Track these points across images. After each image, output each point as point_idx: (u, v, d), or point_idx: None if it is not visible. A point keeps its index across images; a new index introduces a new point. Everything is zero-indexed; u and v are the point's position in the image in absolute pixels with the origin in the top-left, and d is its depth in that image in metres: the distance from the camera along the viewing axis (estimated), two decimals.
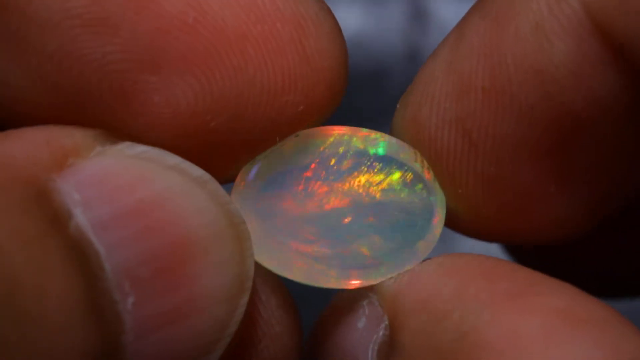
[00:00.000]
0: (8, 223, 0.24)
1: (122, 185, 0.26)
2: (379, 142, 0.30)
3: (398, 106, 0.31)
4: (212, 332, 0.27)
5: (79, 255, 0.25)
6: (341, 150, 0.30)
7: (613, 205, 0.31)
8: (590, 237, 0.33)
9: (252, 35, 0.28)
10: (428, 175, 0.30)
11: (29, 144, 0.26)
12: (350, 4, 0.63)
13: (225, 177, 0.30)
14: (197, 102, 0.28)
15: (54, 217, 0.25)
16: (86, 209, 0.26)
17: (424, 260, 0.30)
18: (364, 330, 0.29)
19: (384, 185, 0.30)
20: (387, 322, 0.29)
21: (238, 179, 0.30)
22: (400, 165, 0.30)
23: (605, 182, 0.30)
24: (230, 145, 0.29)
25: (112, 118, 0.28)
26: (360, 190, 0.30)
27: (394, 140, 0.30)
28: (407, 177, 0.30)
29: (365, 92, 0.60)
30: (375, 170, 0.30)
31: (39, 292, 0.24)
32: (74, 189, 0.26)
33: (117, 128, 0.28)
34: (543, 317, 0.25)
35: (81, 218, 0.26)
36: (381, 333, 0.29)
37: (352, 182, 0.30)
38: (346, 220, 0.30)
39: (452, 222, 0.31)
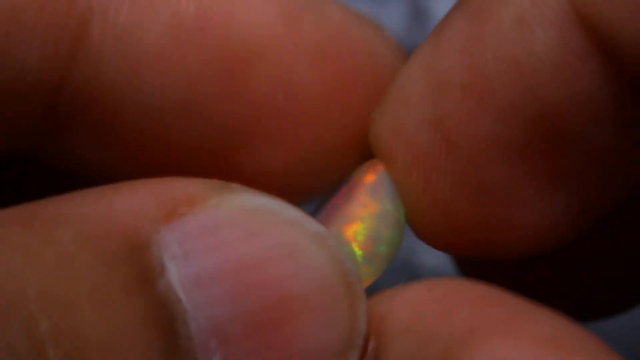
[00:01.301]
0: (91, 280, 0.24)
1: (229, 239, 0.26)
2: None
3: (375, 112, 0.31)
4: None
5: (163, 313, 0.25)
6: None
7: (596, 212, 0.30)
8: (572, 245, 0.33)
9: (337, 103, 0.29)
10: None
11: (135, 196, 0.26)
12: (351, 4, 0.63)
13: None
14: (287, 167, 0.29)
15: (145, 273, 0.25)
16: (183, 263, 0.25)
17: (412, 283, 0.29)
18: None
19: None
20: (373, 345, 0.28)
21: None
22: None
23: (588, 186, 0.29)
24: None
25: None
26: None
27: None
28: None
29: None
30: None
31: (110, 356, 0.24)
32: (177, 241, 0.25)
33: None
34: (531, 346, 0.25)
35: (174, 273, 0.25)
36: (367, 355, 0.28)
37: None
38: None
39: (425, 234, 0.31)
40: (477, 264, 0.38)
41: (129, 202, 0.26)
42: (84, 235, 0.25)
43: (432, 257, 0.61)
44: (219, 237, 0.26)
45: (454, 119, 0.29)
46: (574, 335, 0.26)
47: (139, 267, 0.25)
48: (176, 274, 0.25)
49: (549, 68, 0.27)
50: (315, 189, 0.31)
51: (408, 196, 0.30)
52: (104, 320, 0.24)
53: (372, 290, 0.31)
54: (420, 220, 0.30)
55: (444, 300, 0.27)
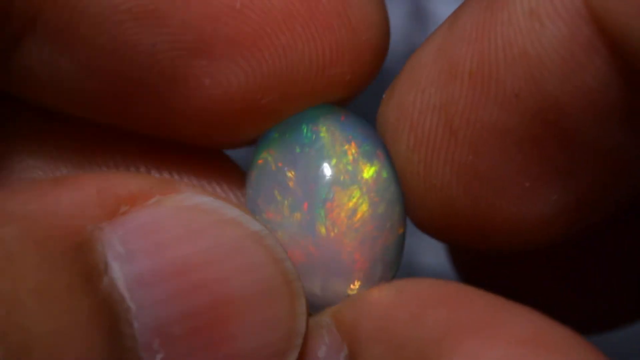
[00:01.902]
0: (35, 279, 0.24)
1: (170, 239, 0.26)
2: None
3: (385, 94, 0.31)
4: None
5: (107, 311, 0.25)
6: None
7: (595, 213, 0.30)
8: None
9: (300, 13, 0.29)
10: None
11: (78, 193, 0.26)
12: None
13: None
14: (248, 82, 0.29)
15: (89, 271, 0.25)
16: (127, 262, 0.25)
17: (381, 285, 0.29)
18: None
19: None
20: (346, 352, 0.28)
21: None
22: None
23: (587, 185, 0.29)
24: (279, 117, 0.30)
25: (162, 102, 0.29)
26: None
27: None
28: None
29: (365, 92, 0.60)
30: None
31: (54, 353, 0.24)
32: (120, 240, 0.25)
33: (165, 114, 0.29)
34: (506, 346, 0.25)
35: (117, 272, 0.25)
36: None
37: None
38: None
39: (422, 221, 0.31)
40: (474, 264, 0.38)
41: (73, 199, 0.26)
42: (28, 234, 0.25)
43: (432, 258, 0.61)
44: (161, 236, 0.26)
45: (458, 105, 0.29)
46: (552, 333, 0.25)
47: (83, 265, 0.25)
48: (120, 273, 0.25)
49: (555, 61, 0.27)
50: (279, 114, 0.30)
51: (407, 181, 0.30)
52: (49, 317, 0.24)
53: None
54: (417, 206, 0.30)
55: (415, 302, 0.27)
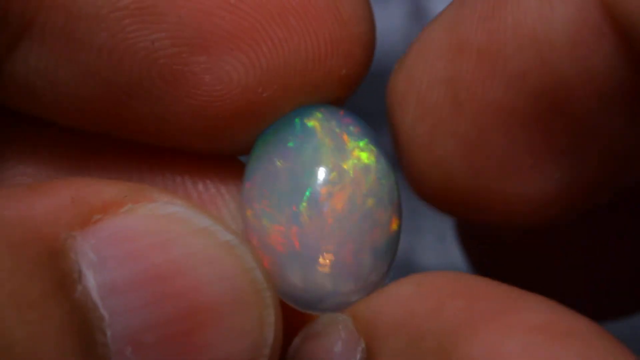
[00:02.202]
0: (10, 284, 0.24)
1: (142, 248, 0.26)
2: None
3: (395, 65, 0.32)
4: None
5: (81, 319, 0.25)
6: None
7: (595, 196, 0.30)
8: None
9: (292, 6, 0.29)
10: None
11: (53, 200, 0.26)
12: None
13: None
14: (248, 75, 0.29)
15: (63, 279, 0.25)
16: (99, 270, 0.25)
17: (399, 280, 0.29)
18: (341, 355, 0.29)
19: None
20: (363, 346, 0.28)
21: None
22: None
23: (589, 167, 0.29)
24: (278, 113, 0.30)
25: (161, 105, 0.29)
26: None
27: None
28: None
29: (365, 92, 0.60)
30: None
31: (29, 357, 0.24)
32: (92, 248, 0.26)
33: (166, 119, 0.29)
34: (524, 334, 0.25)
35: (91, 280, 0.25)
36: (358, 357, 0.28)
37: None
38: None
39: (424, 192, 0.31)
40: (484, 251, 0.39)
41: (47, 206, 0.26)
42: (4, 241, 0.25)
43: (432, 257, 0.61)
44: (133, 244, 0.26)
45: (465, 81, 0.29)
46: (568, 320, 0.26)
47: (57, 272, 0.25)
48: (93, 281, 0.25)
49: (564, 43, 0.27)
50: (278, 110, 0.30)
51: (411, 151, 0.31)
52: (23, 324, 0.24)
53: None
54: (420, 178, 0.31)
55: (434, 295, 0.27)
